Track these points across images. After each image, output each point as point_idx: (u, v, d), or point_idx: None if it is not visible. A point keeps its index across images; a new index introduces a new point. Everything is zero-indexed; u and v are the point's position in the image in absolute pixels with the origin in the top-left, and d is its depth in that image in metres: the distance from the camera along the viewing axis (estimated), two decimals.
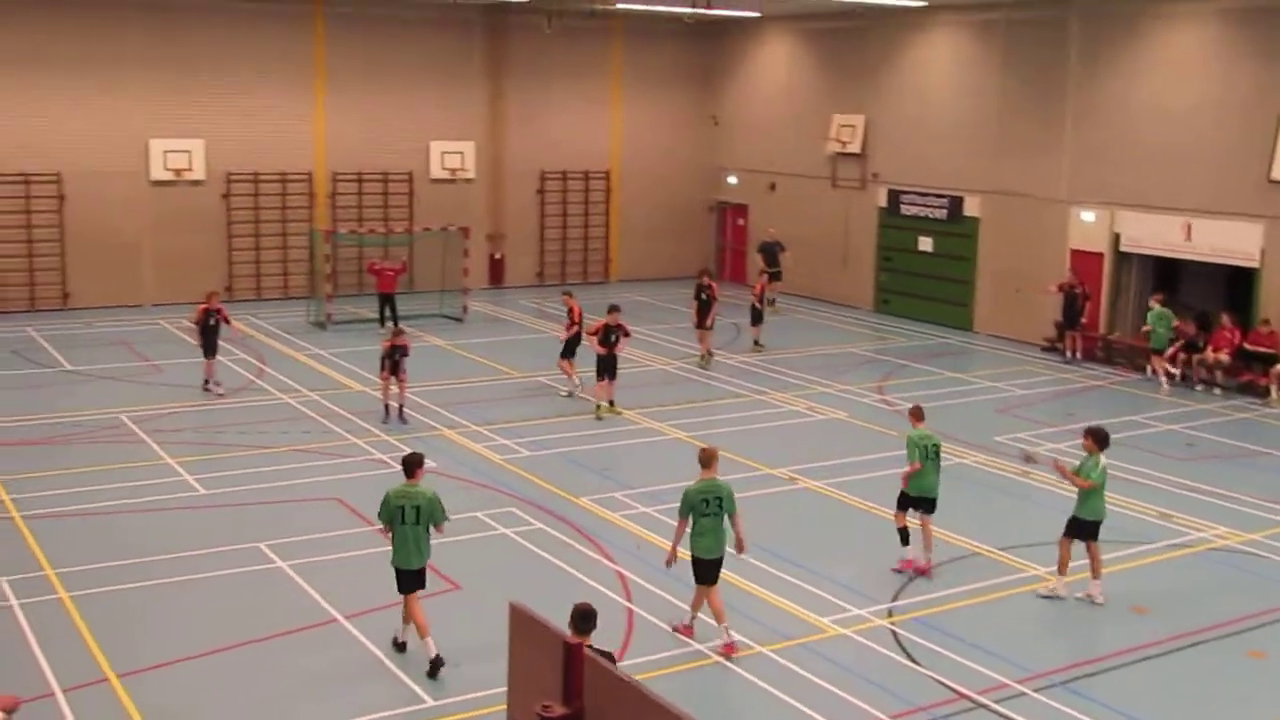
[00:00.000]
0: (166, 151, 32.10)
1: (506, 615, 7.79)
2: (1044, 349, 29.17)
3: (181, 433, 20.80)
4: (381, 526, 12.72)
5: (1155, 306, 25.84)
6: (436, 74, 35.52)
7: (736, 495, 13.15)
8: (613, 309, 23.04)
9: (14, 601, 13.86)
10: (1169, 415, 23.50)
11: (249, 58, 33.02)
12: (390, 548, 12.65)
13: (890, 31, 33.44)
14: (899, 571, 15.20)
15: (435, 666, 12.32)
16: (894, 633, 13.50)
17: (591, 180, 38.40)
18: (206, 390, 23.41)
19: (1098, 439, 14.39)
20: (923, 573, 15.17)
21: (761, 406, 23.62)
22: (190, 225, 32.79)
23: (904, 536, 15.31)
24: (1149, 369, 26.10)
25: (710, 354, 26.97)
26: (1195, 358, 25.75)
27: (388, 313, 29.95)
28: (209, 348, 23.41)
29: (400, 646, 12.87)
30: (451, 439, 20.86)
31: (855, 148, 34.40)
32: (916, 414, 15.55)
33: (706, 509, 12.87)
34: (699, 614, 13.31)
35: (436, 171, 35.68)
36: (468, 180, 36.17)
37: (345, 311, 31.34)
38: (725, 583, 13.82)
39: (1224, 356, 25.39)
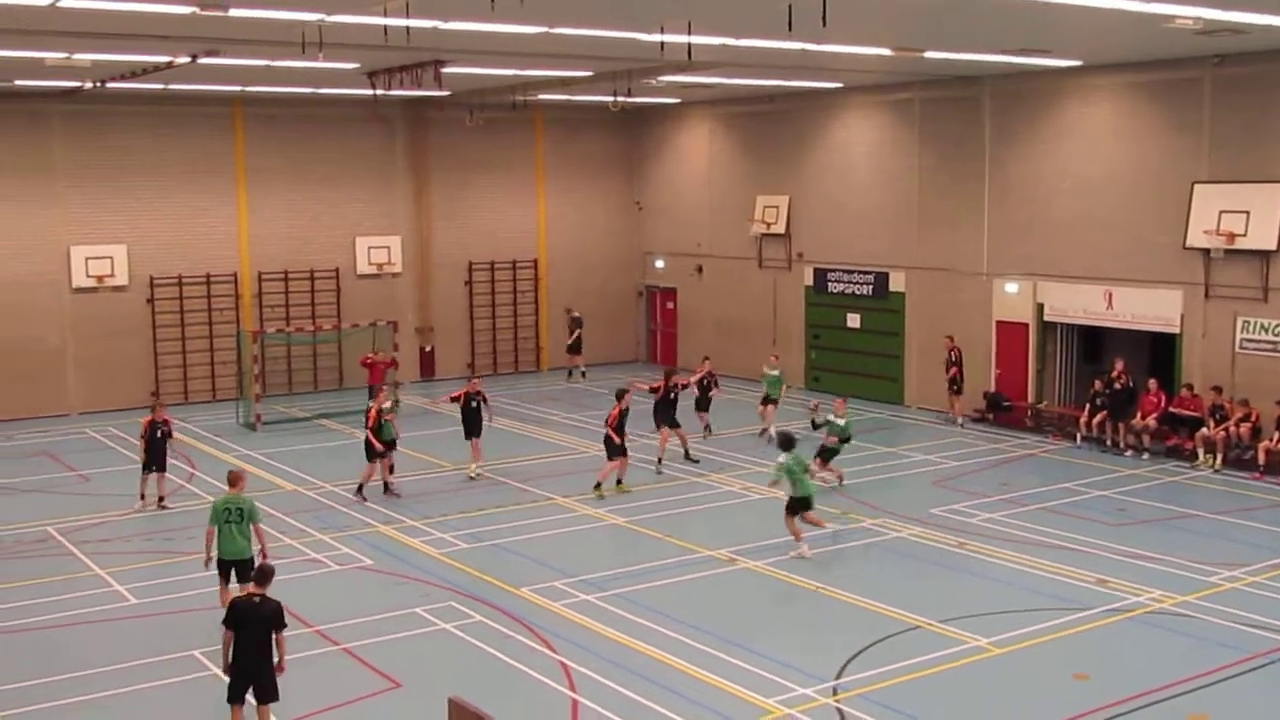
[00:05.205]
0: (88, 258, 31.79)
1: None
2: (973, 420, 29.46)
3: (110, 543, 20.36)
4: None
5: (770, 370, 28.68)
6: (360, 170, 35.61)
7: (688, 576, 13.03)
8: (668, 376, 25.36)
9: None
10: (1100, 481, 23.73)
11: (169, 160, 32.90)
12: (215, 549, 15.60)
13: (809, 113, 34.02)
14: None
15: None
16: (840, 710, 13.42)
17: (520, 269, 38.53)
18: (162, 507, 22.20)
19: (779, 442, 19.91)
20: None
21: (698, 488, 23.59)
22: (114, 331, 32.42)
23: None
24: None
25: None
26: (1123, 424, 26.10)
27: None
28: (151, 462, 22.17)
29: None
30: (388, 534, 20.61)
31: (780, 228, 34.82)
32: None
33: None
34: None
35: (363, 267, 35.64)
36: (395, 274, 36.15)
37: (274, 412, 31.05)
38: (666, 665, 13.67)
39: (1151, 422, 25.75)
